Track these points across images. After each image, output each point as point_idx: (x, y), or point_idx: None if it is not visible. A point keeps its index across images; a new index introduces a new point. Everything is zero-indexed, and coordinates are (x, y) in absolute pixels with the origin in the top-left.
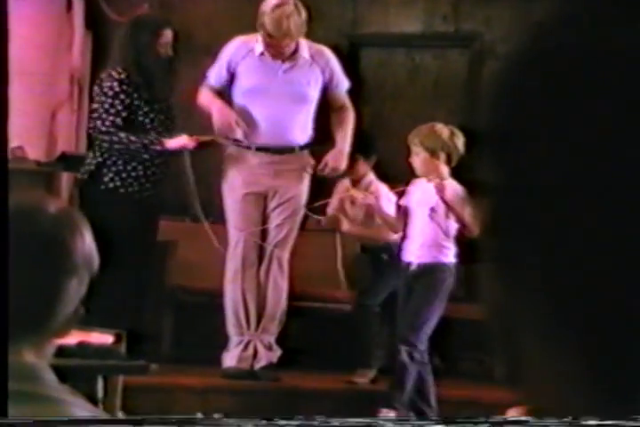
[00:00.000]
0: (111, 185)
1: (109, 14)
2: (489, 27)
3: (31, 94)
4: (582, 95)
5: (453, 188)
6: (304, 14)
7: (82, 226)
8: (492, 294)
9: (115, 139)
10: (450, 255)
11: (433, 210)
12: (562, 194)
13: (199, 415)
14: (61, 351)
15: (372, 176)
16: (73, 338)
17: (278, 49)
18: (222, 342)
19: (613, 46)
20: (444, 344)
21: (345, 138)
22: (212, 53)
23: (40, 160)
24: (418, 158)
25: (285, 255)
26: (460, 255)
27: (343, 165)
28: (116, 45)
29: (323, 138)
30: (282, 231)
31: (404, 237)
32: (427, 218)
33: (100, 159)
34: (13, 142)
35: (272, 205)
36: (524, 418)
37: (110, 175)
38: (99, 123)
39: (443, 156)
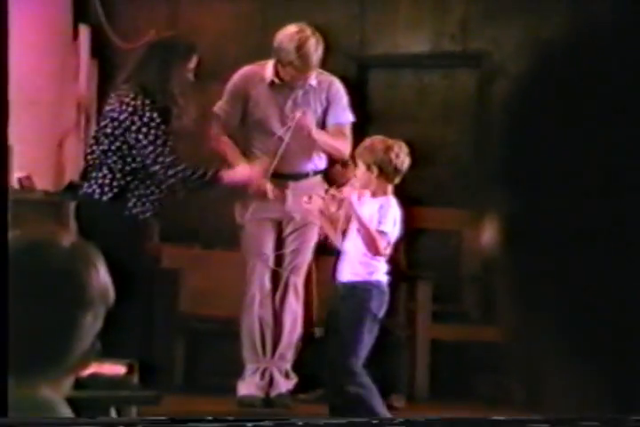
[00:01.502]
0: (134, 211)
1: (116, 41)
2: (497, 46)
3: (38, 124)
4: (593, 112)
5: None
6: (322, 41)
7: (96, 259)
8: (509, 317)
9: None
10: (377, 274)
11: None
12: (576, 213)
13: None
14: (74, 383)
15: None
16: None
17: (300, 80)
18: (236, 370)
19: (623, 63)
20: (460, 367)
21: (326, 136)
22: (219, 79)
23: (48, 190)
24: (357, 172)
25: (300, 281)
26: (392, 274)
27: (311, 126)
28: (137, 67)
29: (335, 163)
30: (297, 257)
31: (338, 255)
32: (354, 234)
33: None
34: (21, 172)
35: (287, 230)
36: (523, 418)
37: (134, 200)
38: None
39: (375, 170)
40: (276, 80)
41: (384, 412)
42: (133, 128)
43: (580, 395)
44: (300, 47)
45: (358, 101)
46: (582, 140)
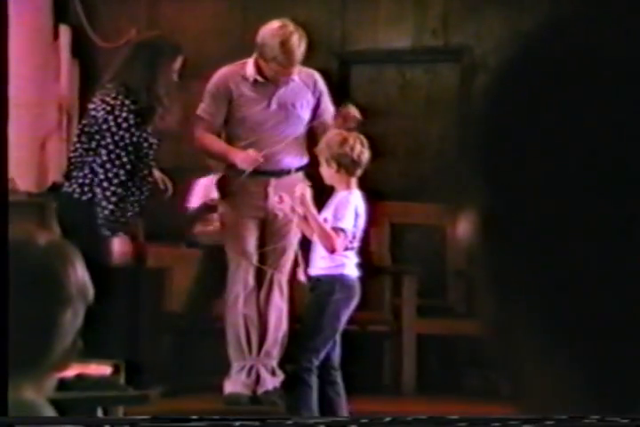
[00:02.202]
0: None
1: (97, 41)
2: (479, 40)
3: (19, 125)
4: (573, 104)
5: (301, 195)
6: (305, 37)
7: (73, 257)
8: (489, 309)
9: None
10: (342, 267)
11: (325, 220)
12: (557, 206)
13: None
14: (59, 384)
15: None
16: (71, 370)
17: (283, 76)
18: (222, 369)
19: (603, 54)
20: (449, 361)
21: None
22: (200, 78)
23: (31, 191)
24: (320, 168)
25: (285, 278)
26: (364, 267)
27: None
28: (122, 66)
29: (317, 160)
30: (281, 254)
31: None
32: None
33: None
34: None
35: (270, 228)
36: (523, 417)
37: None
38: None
39: (334, 164)
40: (259, 78)
41: (311, 415)
42: (104, 126)
43: (562, 389)
44: (284, 43)
45: (341, 97)
46: (564, 133)
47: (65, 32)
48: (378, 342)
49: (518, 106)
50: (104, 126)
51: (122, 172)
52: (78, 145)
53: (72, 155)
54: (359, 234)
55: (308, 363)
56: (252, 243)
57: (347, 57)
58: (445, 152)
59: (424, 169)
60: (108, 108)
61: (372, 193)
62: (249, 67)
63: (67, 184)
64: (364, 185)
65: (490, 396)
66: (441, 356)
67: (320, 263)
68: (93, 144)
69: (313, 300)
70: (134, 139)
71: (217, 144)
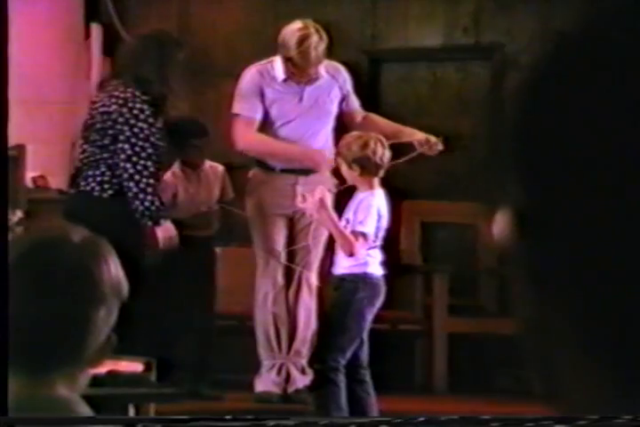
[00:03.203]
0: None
1: (128, 39)
2: (510, 38)
3: (51, 123)
4: (607, 103)
5: (321, 199)
6: (325, 38)
7: (107, 254)
8: (525, 308)
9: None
10: (365, 266)
11: (347, 221)
12: (594, 204)
13: None
14: (91, 381)
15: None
16: (103, 367)
17: (305, 76)
18: (253, 367)
19: (637, 51)
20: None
21: (399, 125)
22: (232, 75)
23: (62, 189)
24: (342, 170)
25: (314, 276)
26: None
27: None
28: (131, 59)
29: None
30: (309, 253)
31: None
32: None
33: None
34: (35, 172)
35: (298, 226)
36: (556, 416)
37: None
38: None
39: (356, 168)
40: (288, 76)
41: (340, 414)
42: (120, 120)
43: (597, 390)
44: (300, 43)
45: (371, 96)
46: (597, 131)
47: (96, 31)
48: (409, 341)
49: (552, 104)
50: (120, 120)
51: (149, 163)
52: (86, 146)
53: (82, 156)
54: (383, 233)
55: (335, 362)
56: (280, 241)
57: (377, 55)
58: (477, 150)
59: (455, 168)
60: (121, 101)
61: (403, 192)
62: (277, 65)
63: (83, 184)
64: (394, 183)
65: (521, 396)
66: (472, 355)
67: (343, 262)
68: (107, 140)
69: (337, 299)
70: (153, 129)
71: (272, 143)
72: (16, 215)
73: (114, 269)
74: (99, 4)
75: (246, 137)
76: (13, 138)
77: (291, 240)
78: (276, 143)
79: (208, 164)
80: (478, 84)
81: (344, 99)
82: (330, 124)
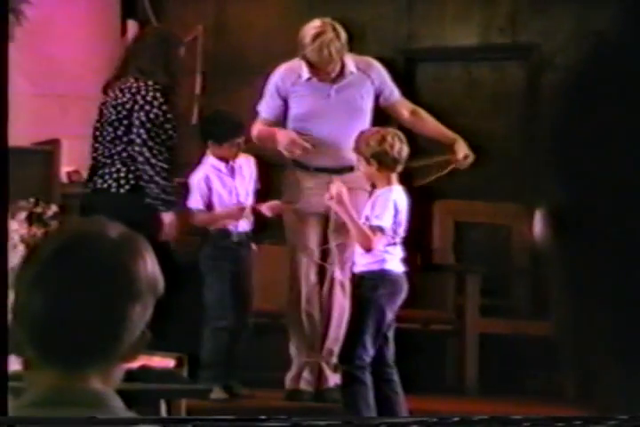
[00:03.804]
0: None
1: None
2: (546, 38)
3: (87, 118)
4: None
5: (343, 194)
6: (343, 36)
7: (144, 250)
8: (562, 309)
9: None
10: (384, 263)
11: (367, 218)
12: (630, 206)
13: None
14: (124, 375)
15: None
16: (136, 362)
17: (324, 74)
18: (285, 364)
19: None
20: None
21: (445, 129)
22: (265, 74)
23: None
24: (360, 166)
25: (347, 275)
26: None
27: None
28: (135, 55)
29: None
30: (342, 251)
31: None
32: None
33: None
34: (70, 166)
35: (332, 224)
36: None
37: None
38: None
39: (374, 163)
40: (311, 75)
41: (369, 413)
42: (136, 107)
43: (632, 392)
44: (314, 40)
45: (406, 95)
46: (634, 132)
47: (133, 27)
48: (440, 340)
49: (589, 104)
50: (135, 107)
51: (163, 149)
52: (98, 144)
53: (95, 154)
54: (402, 229)
55: (359, 360)
56: (313, 239)
57: (413, 54)
58: (512, 151)
59: (489, 168)
60: (134, 90)
61: (437, 191)
62: (303, 64)
63: (99, 181)
64: (428, 183)
65: (552, 397)
66: (503, 356)
67: (361, 260)
68: (120, 131)
69: (357, 297)
70: (168, 116)
71: (265, 129)
72: (51, 210)
73: (150, 266)
74: (135, 1)
75: (253, 130)
76: (49, 133)
77: (324, 239)
78: (265, 129)
79: (241, 156)
80: (514, 84)
81: (380, 93)
82: (363, 120)
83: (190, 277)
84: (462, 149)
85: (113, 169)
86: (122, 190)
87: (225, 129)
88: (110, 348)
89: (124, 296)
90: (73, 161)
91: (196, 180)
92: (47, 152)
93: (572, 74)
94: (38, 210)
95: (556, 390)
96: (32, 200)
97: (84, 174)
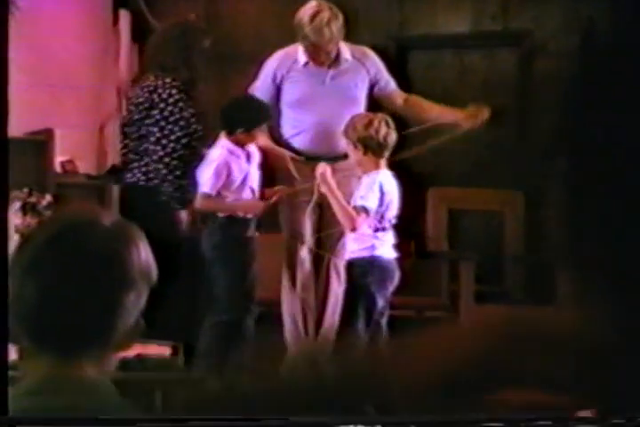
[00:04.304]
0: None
1: (156, 26)
2: (539, 24)
3: (79, 108)
4: (636, 90)
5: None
6: (341, 17)
7: (137, 238)
8: (566, 294)
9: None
10: (373, 249)
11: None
12: (634, 191)
13: None
14: (120, 364)
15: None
16: (131, 351)
17: (323, 56)
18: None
19: None
20: None
21: (438, 105)
22: (258, 61)
23: (91, 174)
24: (349, 150)
25: (342, 263)
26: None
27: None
28: (156, 50)
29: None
30: (338, 239)
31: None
32: None
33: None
34: (63, 156)
35: (327, 212)
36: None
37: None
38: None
39: (361, 147)
40: (310, 61)
41: None
42: (151, 105)
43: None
44: (312, 19)
45: (398, 82)
46: (623, 116)
47: (125, 17)
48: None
49: (581, 91)
50: (152, 105)
51: (178, 146)
52: (127, 141)
53: (124, 151)
54: (391, 214)
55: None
56: (308, 227)
57: (405, 42)
58: (504, 137)
59: (482, 154)
60: (151, 88)
61: (430, 178)
62: (300, 51)
63: (129, 175)
64: (421, 170)
65: (547, 385)
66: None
67: (351, 246)
68: (144, 130)
69: (347, 284)
70: (185, 113)
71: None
72: (45, 199)
73: (144, 254)
74: None
75: None
76: (42, 122)
77: (320, 227)
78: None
79: None
80: (506, 71)
81: (375, 83)
82: (357, 109)
83: (187, 264)
84: (467, 111)
85: (142, 163)
86: (150, 184)
87: (255, 115)
88: (104, 336)
89: (117, 284)
90: (67, 151)
91: (217, 166)
92: (41, 142)
93: (561, 61)
94: (32, 200)
95: (552, 379)
96: (26, 190)
97: (78, 164)
